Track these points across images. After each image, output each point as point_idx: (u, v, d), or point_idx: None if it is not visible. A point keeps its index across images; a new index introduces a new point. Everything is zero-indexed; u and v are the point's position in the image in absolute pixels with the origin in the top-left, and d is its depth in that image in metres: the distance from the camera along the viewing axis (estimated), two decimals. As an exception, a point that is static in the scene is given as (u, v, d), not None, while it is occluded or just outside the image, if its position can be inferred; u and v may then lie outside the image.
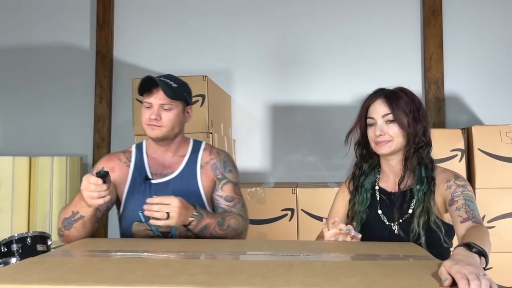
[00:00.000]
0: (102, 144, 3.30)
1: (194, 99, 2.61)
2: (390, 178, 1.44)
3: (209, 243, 1.24)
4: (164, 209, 1.33)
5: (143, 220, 1.50)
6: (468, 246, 0.94)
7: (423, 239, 1.28)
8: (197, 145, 1.66)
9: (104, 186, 1.29)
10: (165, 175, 1.57)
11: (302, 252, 1.07)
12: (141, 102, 2.56)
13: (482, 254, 0.94)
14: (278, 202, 2.53)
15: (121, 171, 1.59)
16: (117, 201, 1.60)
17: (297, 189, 2.55)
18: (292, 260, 0.98)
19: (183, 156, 1.61)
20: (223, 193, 1.58)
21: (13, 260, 2.02)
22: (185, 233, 1.49)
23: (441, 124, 3.00)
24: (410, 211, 1.35)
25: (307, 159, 3.17)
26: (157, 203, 1.33)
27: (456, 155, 2.50)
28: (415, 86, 3.10)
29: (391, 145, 1.36)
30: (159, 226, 1.44)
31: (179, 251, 1.10)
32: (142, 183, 1.55)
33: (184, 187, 1.54)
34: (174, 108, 1.53)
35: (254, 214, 2.52)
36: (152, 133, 1.53)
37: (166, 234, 1.52)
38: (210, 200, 1.60)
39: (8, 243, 2.58)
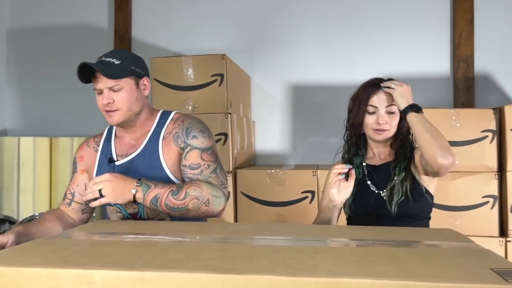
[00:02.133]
0: (121, 124, 3.26)
1: (212, 78, 2.56)
2: (375, 156, 1.60)
3: (226, 226, 1.16)
4: (95, 188, 1.27)
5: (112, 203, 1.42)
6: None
7: (411, 202, 1.43)
8: (164, 116, 1.53)
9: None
10: (128, 155, 1.48)
11: (328, 238, 0.98)
12: (159, 82, 2.50)
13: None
14: (298, 184, 2.45)
15: (89, 158, 1.54)
16: None
17: (318, 171, 2.46)
18: (317, 246, 0.89)
19: (148, 132, 1.50)
20: (187, 162, 1.44)
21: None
22: (154, 212, 1.40)
23: (471, 104, 2.85)
24: (396, 178, 1.50)
25: (328, 140, 3.06)
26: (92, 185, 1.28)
27: (486, 136, 2.37)
28: (443, 64, 2.96)
29: (388, 133, 1.52)
30: (126, 207, 1.40)
31: (194, 234, 1.02)
32: (107, 166, 1.47)
33: (146, 164, 1.44)
34: (125, 86, 1.41)
35: (273, 196, 2.45)
36: (111, 120, 1.44)
37: (134, 215, 1.44)
38: (179, 175, 1.47)
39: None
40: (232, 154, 2.45)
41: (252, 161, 3.00)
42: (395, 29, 2.99)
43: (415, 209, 1.46)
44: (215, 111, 2.47)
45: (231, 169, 2.43)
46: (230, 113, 2.44)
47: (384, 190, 1.51)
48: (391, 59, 2.98)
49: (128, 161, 1.47)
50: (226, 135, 2.43)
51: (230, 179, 2.41)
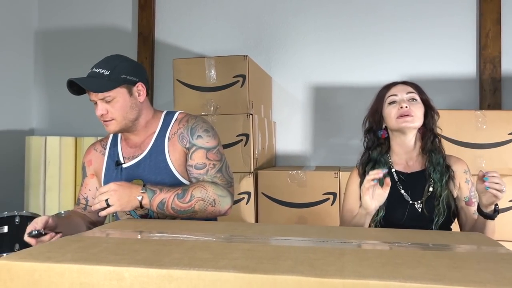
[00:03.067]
0: (144, 125, 3.30)
1: (234, 79, 2.57)
2: (402, 161, 1.49)
3: (250, 226, 1.17)
4: (102, 198, 1.28)
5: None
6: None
7: (442, 219, 1.37)
8: (168, 117, 1.54)
9: (46, 238, 1.24)
10: (136, 157, 1.48)
11: (354, 239, 0.97)
12: (182, 83, 2.49)
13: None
14: (319, 186, 2.44)
15: (97, 162, 1.55)
16: None
17: (340, 172, 2.44)
18: (344, 248, 0.89)
19: (153, 133, 1.50)
20: (192, 162, 1.44)
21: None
22: (162, 214, 1.40)
23: (497, 106, 2.79)
24: (431, 189, 1.41)
25: (350, 142, 3.04)
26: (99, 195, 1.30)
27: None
28: (469, 65, 2.90)
29: (413, 120, 1.41)
30: (136, 209, 1.39)
31: (220, 234, 1.03)
32: (115, 169, 1.49)
33: (153, 165, 1.45)
34: (117, 96, 1.40)
35: (294, 197, 2.45)
36: (108, 129, 1.45)
37: (144, 216, 1.45)
38: (187, 175, 1.48)
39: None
40: (253, 155, 2.45)
41: (273, 162, 3.01)
42: (420, 29, 2.95)
43: (452, 223, 1.43)
44: (237, 112, 2.48)
45: (252, 170, 2.43)
46: (251, 114, 2.44)
47: (419, 202, 1.41)
48: (416, 59, 2.94)
49: (135, 163, 1.48)
50: (247, 136, 2.44)
51: (251, 179, 2.42)
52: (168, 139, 1.47)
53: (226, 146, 2.38)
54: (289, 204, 2.47)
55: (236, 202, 2.40)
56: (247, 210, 2.43)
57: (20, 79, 3.41)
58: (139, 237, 0.99)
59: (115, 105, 1.41)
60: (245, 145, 2.44)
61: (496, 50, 2.84)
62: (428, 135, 1.46)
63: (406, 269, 0.73)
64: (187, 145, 1.46)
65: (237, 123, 2.43)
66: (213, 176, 1.43)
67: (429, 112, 1.46)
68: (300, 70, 3.12)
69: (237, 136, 2.43)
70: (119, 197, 1.29)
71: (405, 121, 1.41)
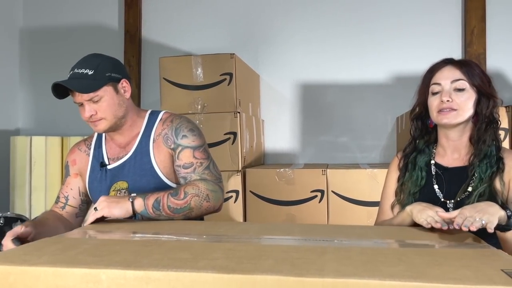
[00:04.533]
0: (131, 124, 3.28)
1: (221, 77, 2.56)
2: (447, 153, 1.32)
3: (234, 225, 1.16)
4: (93, 211, 1.24)
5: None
6: (504, 207, 1.03)
7: None
8: (153, 117, 1.51)
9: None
10: (120, 158, 1.47)
11: (337, 237, 0.97)
12: (168, 81, 2.46)
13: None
14: (307, 183, 2.44)
15: (81, 162, 1.52)
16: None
17: (328, 170, 2.44)
18: (326, 246, 0.88)
19: (138, 134, 1.48)
20: (180, 162, 1.42)
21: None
22: (158, 217, 1.35)
23: (483, 103, 2.82)
24: (470, 189, 1.22)
25: (338, 140, 3.05)
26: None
27: (499, 135, 2.34)
28: (455, 62, 2.92)
29: (456, 115, 1.24)
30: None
31: (202, 234, 1.02)
32: (99, 170, 1.46)
33: (138, 167, 1.43)
34: (104, 95, 1.38)
35: (282, 195, 2.44)
36: (97, 129, 1.43)
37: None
38: (173, 176, 1.45)
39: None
40: (241, 153, 2.44)
41: (261, 160, 3.00)
42: (406, 26, 2.96)
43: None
44: (224, 110, 2.47)
45: (240, 168, 2.42)
46: (239, 112, 2.43)
47: (452, 201, 1.24)
48: (402, 56, 2.95)
49: (120, 164, 1.46)
50: (235, 134, 2.43)
51: (239, 178, 2.41)
52: (153, 140, 1.45)
53: (213, 145, 2.37)
54: (277, 202, 2.47)
55: (224, 200, 2.38)
56: (235, 208, 2.43)
57: (5, 78, 3.36)
58: (119, 238, 0.98)
59: (103, 104, 1.38)
60: (232, 143, 2.43)
61: (481, 47, 2.86)
62: (480, 123, 1.26)
63: (387, 267, 0.73)
64: (172, 146, 1.44)
65: (224, 122, 2.42)
66: (201, 173, 1.41)
67: (482, 98, 1.26)
68: (288, 68, 3.11)
69: (225, 134, 2.42)
70: (108, 204, 1.23)
71: (445, 118, 1.24)
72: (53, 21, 3.45)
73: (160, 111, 1.54)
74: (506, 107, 2.36)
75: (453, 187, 1.25)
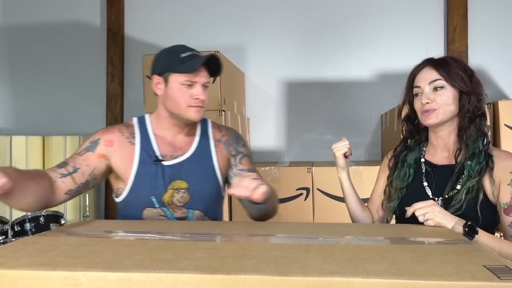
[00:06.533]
0: (115, 123, 3.23)
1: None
2: (437, 151, 1.34)
3: (219, 224, 1.15)
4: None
5: (156, 205, 1.39)
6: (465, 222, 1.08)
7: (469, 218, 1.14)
8: (204, 123, 1.54)
9: None
10: (176, 157, 1.44)
11: (321, 235, 0.96)
12: (150, 78, 2.41)
13: (470, 231, 1.06)
14: (293, 181, 2.44)
15: (123, 148, 1.42)
16: (114, 183, 1.46)
17: (313, 168, 2.45)
18: (310, 244, 0.88)
19: (194, 136, 1.49)
20: (244, 167, 1.51)
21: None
22: (202, 217, 1.41)
23: (466, 100, 2.85)
24: (459, 186, 1.23)
25: (323, 137, 3.05)
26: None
27: (485, 128, 2.38)
28: (438, 60, 2.96)
29: (438, 114, 1.26)
30: (174, 211, 1.40)
31: (186, 233, 1.01)
32: (153, 165, 1.40)
33: (199, 168, 1.45)
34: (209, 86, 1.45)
35: (268, 194, 2.44)
36: (196, 116, 1.40)
37: (182, 220, 1.42)
38: (224, 180, 1.51)
39: (21, 222, 2.57)
40: (226, 152, 2.43)
41: (246, 159, 2.99)
42: (388, 24, 2.98)
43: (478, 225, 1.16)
44: (209, 108, 2.41)
45: (225, 167, 2.41)
46: (224, 111, 2.42)
47: (440, 198, 1.25)
48: (385, 54, 2.98)
49: (178, 163, 1.43)
50: (220, 132, 2.41)
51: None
52: (215, 145, 1.50)
53: (198, 143, 2.35)
54: (262, 200, 2.46)
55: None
56: (221, 207, 2.41)
57: (-17, 77, 3.29)
58: (101, 238, 0.95)
59: (207, 94, 1.42)
60: (217, 141, 2.41)
61: (463, 44, 2.90)
62: (463, 118, 1.27)
63: (370, 265, 0.73)
64: (233, 152, 1.52)
65: (209, 120, 2.40)
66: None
67: (463, 94, 1.26)
68: (273, 66, 3.12)
69: (209, 132, 2.40)
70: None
71: (428, 118, 1.27)
72: (33, 18, 3.39)
73: (206, 119, 1.56)
74: (487, 104, 2.40)
75: (442, 184, 1.27)
